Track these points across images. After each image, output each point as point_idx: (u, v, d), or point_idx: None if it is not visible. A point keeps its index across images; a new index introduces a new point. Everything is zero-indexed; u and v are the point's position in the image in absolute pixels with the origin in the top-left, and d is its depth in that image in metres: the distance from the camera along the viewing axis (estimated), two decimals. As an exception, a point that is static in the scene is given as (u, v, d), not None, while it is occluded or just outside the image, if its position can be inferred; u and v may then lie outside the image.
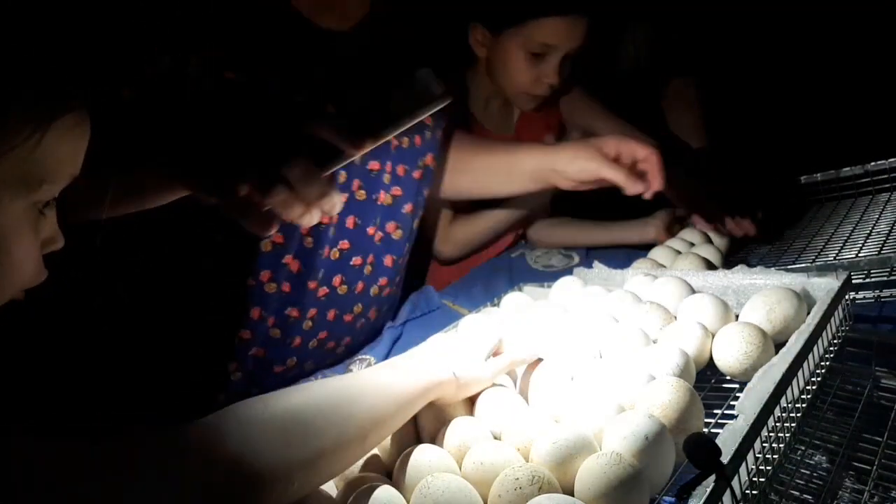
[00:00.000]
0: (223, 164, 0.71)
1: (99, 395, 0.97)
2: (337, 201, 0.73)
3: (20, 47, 0.54)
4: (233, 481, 0.53)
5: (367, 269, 1.11)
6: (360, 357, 1.13)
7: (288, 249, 1.01)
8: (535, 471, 0.62)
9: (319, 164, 0.72)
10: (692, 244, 1.29)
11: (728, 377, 0.82)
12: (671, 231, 1.40)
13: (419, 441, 0.77)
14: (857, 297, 1.04)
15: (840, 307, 0.88)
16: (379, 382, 0.68)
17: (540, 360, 0.82)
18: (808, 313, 0.84)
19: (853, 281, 0.95)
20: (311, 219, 0.73)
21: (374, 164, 1.08)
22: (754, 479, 0.64)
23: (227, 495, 0.53)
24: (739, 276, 0.99)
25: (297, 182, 0.70)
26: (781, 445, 0.70)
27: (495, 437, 0.73)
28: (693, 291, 0.96)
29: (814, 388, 0.78)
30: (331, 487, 0.69)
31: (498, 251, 1.55)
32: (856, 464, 0.72)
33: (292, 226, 0.82)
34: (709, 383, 0.81)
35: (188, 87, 0.88)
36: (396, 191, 1.10)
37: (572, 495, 0.62)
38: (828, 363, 0.83)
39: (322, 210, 0.73)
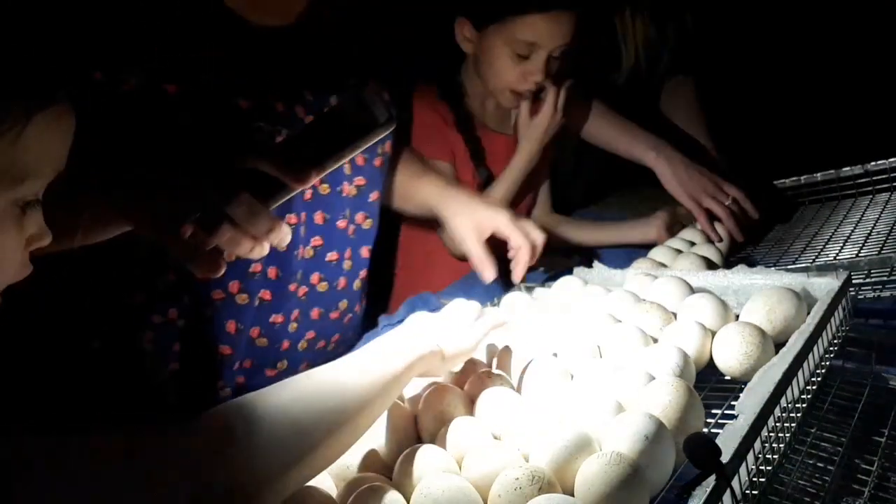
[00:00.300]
0: (165, 206, 0.69)
1: (76, 418, 0.95)
2: (285, 233, 0.71)
3: None
4: (227, 485, 0.53)
5: (347, 263, 1.09)
6: None
7: (259, 259, 0.98)
8: (535, 471, 0.62)
9: (263, 197, 0.69)
10: (692, 244, 1.29)
11: (728, 377, 0.82)
12: (672, 231, 1.40)
13: (419, 441, 0.77)
14: (858, 296, 1.04)
15: (840, 307, 0.88)
16: (363, 366, 0.69)
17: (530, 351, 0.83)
18: (808, 313, 0.84)
19: (853, 281, 0.95)
20: (262, 251, 0.71)
21: None
22: (754, 479, 0.64)
23: (220, 499, 0.53)
24: (739, 276, 0.99)
25: (242, 219, 0.67)
26: (781, 445, 0.70)
27: (495, 437, 0.73)
28: (693, 291, 0.96)
29: (814, 388, 0.78)
30: (331, 487, 0.69)
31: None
32: (856, 464, 0.71)
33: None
34: (709, 383, 0.81)
35: (126, 109, 0.84)
36: (360, 181, 1.08)
37: (572, 495, 0.62)
38: (828, 363, 0.83)
39: (272, 243, 0.71)
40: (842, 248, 1.22)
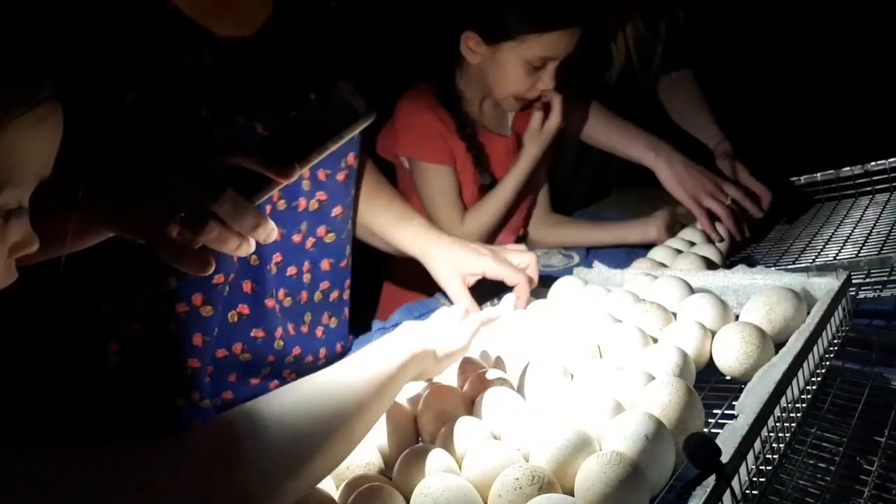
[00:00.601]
0: (149, 207, 0.68)
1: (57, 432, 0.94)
2: (272, 228, 0.70)
3: None
4: (232, 496, 0.53)
5: (306, 277, 1.07)
6: None
7: (223, 271, 0.97)
8: (535, 471, 0.62)
9: (248, 193, 0.69)
10: (692, 244, 1.29)
11: (728, 377, 0.82)
12: (672, 231, 1.40)
13: (419, 441, 0.77)
14: (858, 296, 1.04)
15: (840, 307, 0.88)
16: (358, 370, 0.69)
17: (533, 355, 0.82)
18: (808, 313, 0.84)
19: (853, 281, 0.95)
20: (249, 248, 0.70)
21: None
22: (754, 479, 0.64)
23: None
24: (739, 276, 0.99)
25: (229, 216, 0.67)
26: (781, 445, 0.70)
27: (495, 437, 0.73)
28: (693, 291, 0.96)
29: (814, 388, 0.78)
30: (331, 487, 0.69)
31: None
32: (856, 464, 0.71)
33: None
34: (709, 383, 0.81)
35: (84, 116, 0.84)
36: (321, 195, 1.06)
37: (572, 495, 0.62)
38: (828, 363, 0.83)
39: (258, 239, 0.70)
40: (842, 248, 1.22)
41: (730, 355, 0.81)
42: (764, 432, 0.66)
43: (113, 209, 0.71)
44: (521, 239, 1.60)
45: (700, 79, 1.77)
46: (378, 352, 0.73)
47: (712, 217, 1.36)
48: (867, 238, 1.24)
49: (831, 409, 0.79)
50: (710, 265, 1.16)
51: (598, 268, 1.15)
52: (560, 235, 1.58)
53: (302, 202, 1.04)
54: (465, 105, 1.50)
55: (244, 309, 1.00)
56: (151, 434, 0.54)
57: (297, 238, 1.04)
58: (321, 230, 1.07)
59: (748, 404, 0.66)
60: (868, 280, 1.09)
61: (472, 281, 1.13)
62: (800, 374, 0.74)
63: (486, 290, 1.14)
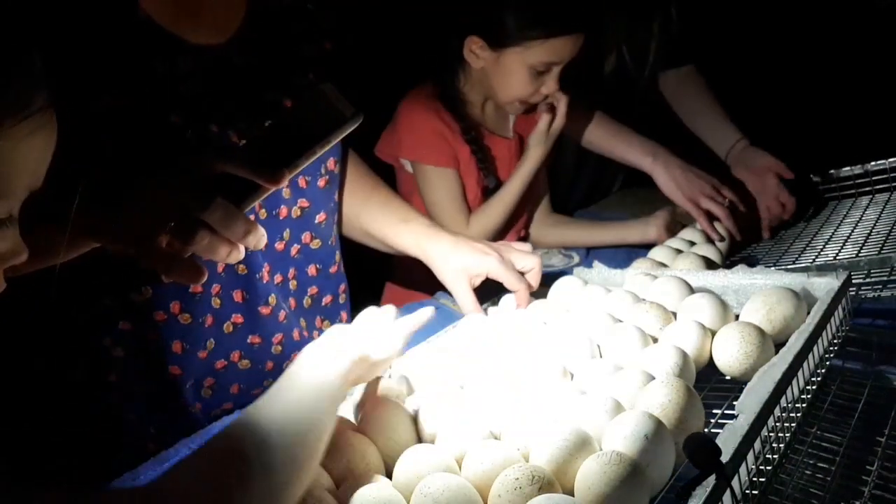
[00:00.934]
0: (138, 218, 0.66)
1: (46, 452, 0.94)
2: (262, 234, 0.70)
3: None
4: None
5: (292, 283, 1.07)
6: None
7: (216, 281, 0.97)
8: (535, 471, 0.62)
9: (237, 200, 0.68)
10: (692, 244, 1.29)
11: (728, 377, 0.82)
12: (672, 231, 1.40)
13: (419, 441, 0.77)
14: (858, 296, 1.04)
15: (840, 307, 0.88)
16: (312, 381, 0.67)
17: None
18: (808, 313, 0.84)
19: (853, 281, 0.95)
20: (239, 255, 0.70)
21: None
22: (754, 479, 0.64)
23: None
24: (739, 276, 0.99)
25: (219, 224, 0.66)
26: (781, 445, 0.70)
27: (495, 438, 0.73)
28: (693, 291, 0.96)
29: (814, 388, 0.78)
30: (331, 487, 0.69)
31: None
32: (856, 464, 0.71)
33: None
34: (709, 383, 0.81)
35: (72, 127, 0.82)
36: (303, 202, 1.05)
37: (572, 495, 0.62)
38: (828, 363, 0.83)
39: (248, 246, 0.69)
40: (842, 248, 1.22)
41: (730, 355, 0.81)
42: (764, 432, 0.66)
43: (100, 221, 0.69)
44: (523, 240, 1.60)
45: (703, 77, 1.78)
46: (317, 359, 0.70)
47: (712, 218, 1.37)
48: (867, 238, 1.24)
49: (831, 409, 0.79)
50: (710, 265, 1.16)
51: (598, 268, 1.15)
52: (560, 235, 1.58)
53: (283, 210, 1.03)
54: (467, 107, 1.50)
55: (238, 318, 1.00)
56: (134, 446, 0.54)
57: (279, 246, 1.04)
58: (306, 236, 1.06)
59: (748, 404, 0.66)
60: (868, 280, 1.09)
61: (477, 282, 1.11)
62: (800, 374, 0.74)
63: (486, 290, 1.14)
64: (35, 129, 0.51)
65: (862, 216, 1.36)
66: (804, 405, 0.75)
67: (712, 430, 0.71)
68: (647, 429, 0.64)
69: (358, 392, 0.83)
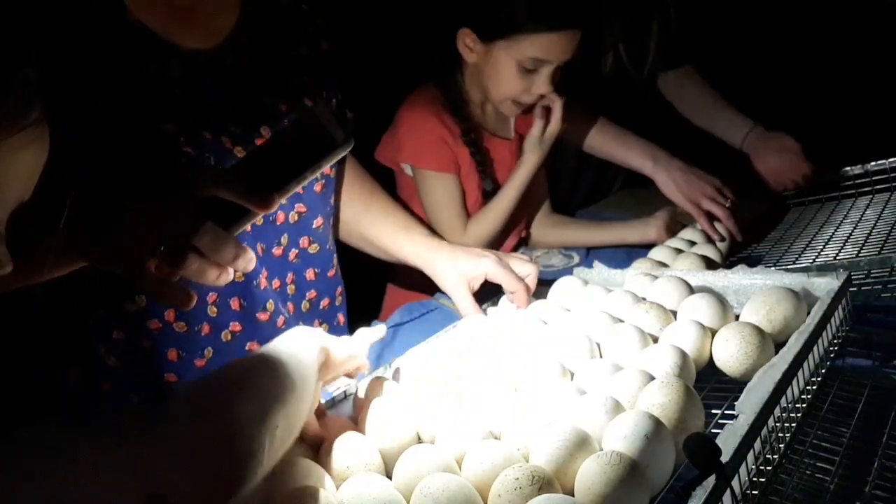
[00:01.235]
0: (128, 242, 0.66)
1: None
2: (251, 258, 0.69)
3: None
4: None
5: (290, 288, 1.07)
6: None
7: (212, 289, 0.96)
8: (535, 471, 0.62)
9: (227, 225, 0.68)
10: (693, 244, 1.29)
11: (728, 377, 0.82)
12: (672, 231, 1.40)
13: (419, 441, 0.77)
14: (858, 296, 1.04)
15: (840, 307, 0.88)
16: (295, 353, 0.68)
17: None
18: (808, 313, 0.84)
19: (853, 281, 0.95)
20: (228, 277, 0.70)
21: None
22: (754, 479, 0.64)
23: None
24: (739, 276, 0.99)
25: (208, 249, 0.66)
26: (781, 445, 0.70)
27: (495, 438, 0.73)
28: (693, 291, 0.96)
29: (814, 388, 0.78)
30: (331, 487, 0.69)
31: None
32: (856, 464, 0.71)
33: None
34: (709, 383, 0.81)
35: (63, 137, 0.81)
36: (301, 208, 1.05)
37: (572, 495, 0.62)
38: (828, 363, 0.83)
39: (237, 269, 0.69)
40: (842, 248, 1.22)
41: (730, 355, 0.81)
42: (764, 432, 0.66)
43: (89, 244, 0.69)
44: (524, 240, 1.60)
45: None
46: (301, 335, 0.71)
47: (712, 218, 1.37)
48: (867, 238, 1.24)
49: (831, 409, 0.79)
50: (710, 265, 1.16)
51: (598, 268, 1.15)
52: (560, 235, 1.57)
53: (280, 215, 1.03)
54: (468, 107, 1.49)
55: (236, 326, 1.00)
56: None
57: (277, 251, 1.03)
58: (304, 241, 1.06)
59: (748, 404, 0.66)
60: (868, 280, 1.09)
61: (476, 285, 1.12)
62: (800, 374, 0.74)
63: (486, 293, 1.14)
64: (27, 143, 0.50)
65: (862, 216, 1.36)
66: (804, 405, 0.75)
67: (712, 430, 0.71)
68: (647, 429, 0.64)
69: (358, 392, 0.83)
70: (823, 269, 1.01)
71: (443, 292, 1.19)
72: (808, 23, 2.19)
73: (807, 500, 0.67)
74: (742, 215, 1.38)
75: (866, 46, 2.16)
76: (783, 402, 0.70)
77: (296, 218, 1.04)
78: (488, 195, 1.48)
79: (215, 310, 0.97)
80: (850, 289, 0.92)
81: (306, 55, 1.06)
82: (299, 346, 0.69)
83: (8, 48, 0.50)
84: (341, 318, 1.16)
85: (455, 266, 1.12)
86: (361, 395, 0.83)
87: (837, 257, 1.19)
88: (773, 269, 1.02)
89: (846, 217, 1.39)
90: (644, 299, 0.96)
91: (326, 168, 0.73)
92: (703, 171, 1.44)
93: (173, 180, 0.70)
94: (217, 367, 0.97)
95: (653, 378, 0.75)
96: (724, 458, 0.58)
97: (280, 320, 1.03)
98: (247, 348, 1.01)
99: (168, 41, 0.91)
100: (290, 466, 0.67)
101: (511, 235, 1.57)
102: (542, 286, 1.13)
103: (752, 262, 1.15)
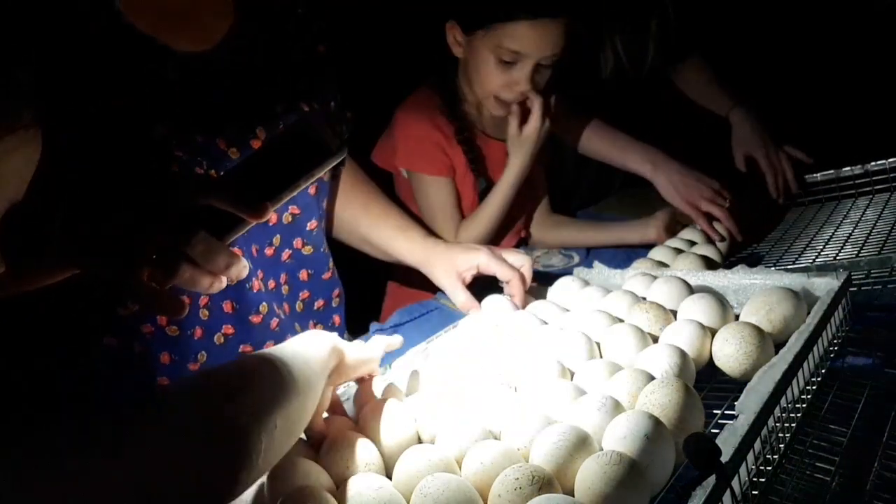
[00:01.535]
0: (120, 251, 0.66)
1: None
2: (244, 266, 0.70)
3: None
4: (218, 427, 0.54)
5: (284, 288, 1.07)
6: None
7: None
8: (535, 471, 0.62)
9: (220, 234, 0.68)
10: (693, 243, 1.29)
11: (728, 377, 0.82)
12: (671, 231, 1.40)
13: (419, 441, 0.77)
14: (858, 296, 1.04)
15: (840, 307, 0.88)
16: (305, 349, 0.69)
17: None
18: (808, 313, 0.84)
19: (853, 281, 0.95)
20: (220, 285, 0.70)
21: None
22: (754, 479, 0.64)
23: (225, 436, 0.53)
24: (739, 276, 0.99)
25: (201, 258, 0.66)
26: (781, 445, 0.70)
27: (495, 438, 0.73)
28: (693, 291, 0.96)
29: (814, 388, 0.78)
30: (330, 487, 0.69)
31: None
32: (856, 464, 0.71)
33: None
34: (709, 383, 0.81)
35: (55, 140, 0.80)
36: (294, 210, 1.05)
37: (572, 495, 0.62)
38: (828, 363, 0.83)
39: (230, 277, 0.69)
40: (842, 248, 1.22)
41: (730, 355, 0.81)
42: (764, 432, 0.66)
43: (81, 253, 0.68)
44: (523, 240, 1.60)
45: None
46: (311, 337, 0.72)
47: (712, 219, 1.37)
48: (867, 238, 1.23)
49: (831, 409, 0.79)
50: (710, 265, 1.16)
51: (598, 268, 1.15)
52: (560, 236, 1.58)
53: (273, 216, 1.02)
54: (464, 105, 1.49)
55: (228, 329, 1.00)
56: None
57: (269, 251, 1.03)
58: (297, 242, 1.07)
59: (748, 404, 0.66)
60: (868, 280, 1.09)
61: (468, 277, 1.14)
62: (800, 374, 0.74)
63: (483, 291, 1.14)
64: (19, 145, 0.50)
65: (862, 216, 1.36)
66: (804, 405, 0.75)
67: (712, 430, 0.71)
68: (647, 429, 0.64)
69: (358, 392, 0.83)
70: (823, 269, 1.01)
71: (443, 292, 1.20)
72: (808, 23, 2.19)
73: (807, 500, 0.67)
74: (742, 215, 1.38)
75: (866, 46, 2.16)
76: (783, 402, 0.70)
77: (289, 219, 1.05)
78: (483, 194, 1.48)
79: (207, 313, 0.97)
80: (850, 289, 0.92)
81: (303, 58, 1.06)
82: (308, 347, 0.69)
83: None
84: (337, 319, 1.16)
85: (448, 260, 1.14)
86: (361, 395, 0.83)
87: (837, 257, 1.19)
88: (773, 269, 1.02)
89: (846, 217, 1.38)
90: (644, 299, 0.96)
91: (320, 174, 0.72)
92: (701, 173, 1.44)
93: (166, 189, 0.70)
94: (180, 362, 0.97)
95: (652, 378, 0.75)
96: (724, 458, 0.58)
97: (274, 322, 1.03)
98: (240, 351, 1.01)
99: (162, 44, 0.91)
100: (290, 466, 0.67)
101: (511, 236, 1.57)
102: (542, 286, 1.13)
103: (752, 262, 1.15)
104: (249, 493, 0.66)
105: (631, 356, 0.83)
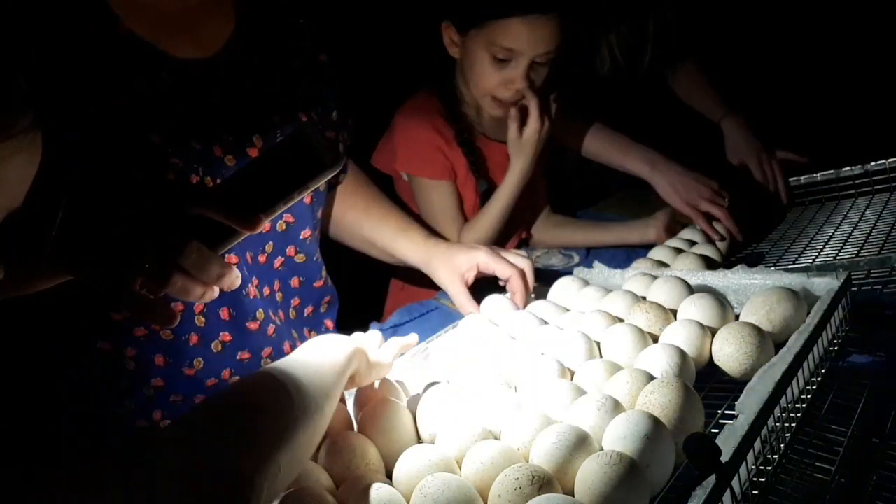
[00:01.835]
0: (112, 259, 0.66)
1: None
2: (236, 276, 0.70)
3: None
4: (214, 485, 0.53)
5: (278, 296, 1.07)
6: None
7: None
8: (535, 471, 0.62)
9: (213, 244, 0.68)
10: (693, 243, 1.29)
11: (728, 377, 0.82)
12: (671, 231, 1.40)
13: (419, 441, 0.77)
14: (858, 296, 1.04)
15: (840, 307, 0.88)
16: (322, 357, 0.70)
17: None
18: (808, 313, 0.84)
19: (853, 281, 0.95)
20: (213, 295, 0.70)
21: None
22: (754, 479, 0.64)
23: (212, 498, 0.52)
24: (739, 276, 0.99)
25: (194, 268, 0.66)
26: (781, 445, 0.70)
27: (495, 438, 0.73)
28: (693, 291, 0.96)
29: (814, 388, 0.78)
30: (330, 487, 0.69)
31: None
32: (856, 464, 0.71)
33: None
34: (709, 383, 0.81)
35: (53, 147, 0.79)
36: (289, 218, 1.05)
37: (572, 495, 0.62)
38: (828, 363, 0.83)
39: (222, 287, 0.70)
40: (842, 248, 1.22)
41: (730, 355, 0.81)
42: (764, 432, 0.66)
43: (74, 261, 0.68)
44: (524, 241, 1.60)
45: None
46: (320, 340, 0.73)
47: (711, 219, 1.37)
48: (867, 238, 1.23)
49: (831, 409, 0.79)
50: (710, 265, 1.16)
51: (598, 268, 1.15)
52: (560, 236, 1.58)
53: (267, 224, 1.02)
54: (464, 108, 1.49)
55: (226, 336, 0.99)
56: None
57: (262, 258, 1.03)
58: (290, 250, 1.07)
59: (748, 404, 0.66)
60: (868, 280, 1.09)
61: (470, 277, 1.14)
62: (800, 374, 0.74)
63: (483, 291, 1.14)
64: (17, 150, 0.50)
65: (862, 216, 1.36)
66: (804, 405, 0.75)
67: (712, 430, 0.71)
68: (647, 429, 0.64)
69: (358, 392, 0.83)
70: (823, 269, 1.00)
71: (444, 292, 1.20)
72: (808, 23, 2.19)
73: (807, 500, 0.67)
74: (741, 215, 1.38)
75: (866, 46, 2.16)
76: (783, 402, 0.70)
77: (283, 227, 1.05)
78: (485, 196, 1.48)
79: (203, 319, 0.97)
80: (850, 289, 0.92)
81: (303, 67, 1.06)
82: (322, 354, 0.70)
83: None
84: (329, 323, 1.17)
85: (449, 261, 1.15)
86: (362, 395, 0.83)
87: (837, 257, 1.19)
88: (773, 269, 1.02)
89: (846, 217, 1.38)
90: (644, 299, 0.96)
91: (315, 187, 0.72)
92: (700, 174, 1.44)
93: (160, 198, 0.70)
94: (207, 377, 0.98)
95: (652, 378, 0.75)
96: (724, 458, 0.58)
97: (270, 329, 1.03)
98: (238, 357, 1.01)
99: (161, 51, 0.91)
100: (289, 466, 0.67)
101: (512, 239, 1.57)
102: (542, 286, 1.13)
103: (752, 262, 1.15)
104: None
105: (631, 356, 0.83)
